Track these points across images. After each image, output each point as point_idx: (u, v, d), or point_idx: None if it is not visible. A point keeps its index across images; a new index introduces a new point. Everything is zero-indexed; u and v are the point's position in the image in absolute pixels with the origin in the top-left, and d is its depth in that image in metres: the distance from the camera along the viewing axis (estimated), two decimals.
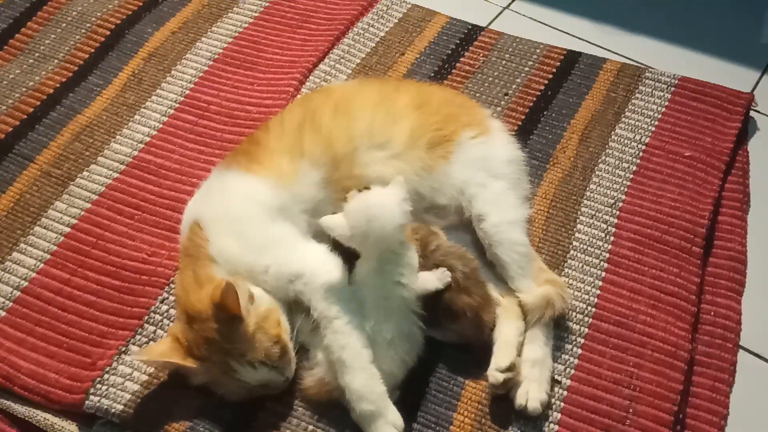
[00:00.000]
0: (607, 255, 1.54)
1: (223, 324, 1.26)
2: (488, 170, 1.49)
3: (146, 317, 1.46)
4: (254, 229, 1.38)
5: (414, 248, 1.36)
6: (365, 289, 1.32)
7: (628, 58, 1.98)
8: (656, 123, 1.78)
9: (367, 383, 1.27)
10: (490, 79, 1.89)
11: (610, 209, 1.62)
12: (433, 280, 1.35)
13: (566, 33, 2.08)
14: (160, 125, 1.81)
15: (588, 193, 1.65)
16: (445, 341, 1.40)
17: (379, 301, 1.31)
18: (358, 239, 1.30)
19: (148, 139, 1.78)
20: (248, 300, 1.30)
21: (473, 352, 1.39)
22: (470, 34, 2.01)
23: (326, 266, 1.34)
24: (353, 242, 1.31)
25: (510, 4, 2.17)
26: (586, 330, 1.43)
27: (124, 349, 1.42)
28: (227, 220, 1.39)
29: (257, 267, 1.35)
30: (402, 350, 1.31)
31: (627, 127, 1.78)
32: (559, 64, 1.92)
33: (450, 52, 1.97)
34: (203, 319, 1.27)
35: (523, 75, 1.90)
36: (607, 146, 1.74)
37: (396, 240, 1.31)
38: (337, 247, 1.36)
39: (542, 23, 2.11)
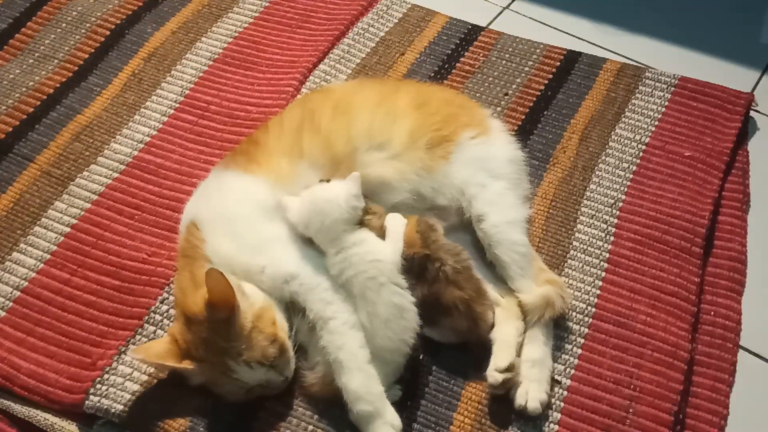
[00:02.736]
0: (607, 255, 1.54)
1: (219, 322, 1.26)
2: (488, 170, 1.49)
3: (146, 317, 1.46)
4: (250, 229, 1.38)
5: (364, 229, 1.38)
6: (346, 277, 1.32)
7: (628, 58, 1.98)
8: (656, 123, 1.78)
9: (364, 383, 1.26)
10: (490, 79, 1.89)
11: (610, 209, 1.61)
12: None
13: (566, 33, 2.08)
14: (160, 125, 1.81)
15: (588, 193, 1.65)
16: (444, 342, 1.40)
17: (363, 283, 1.30)
18: (302, 226, 1.35)
19: (148, 139, 1.78)
20: (242, 294, 1.30)
21: (473, 352, 1.39)
22: (470, 34, 2.01)
23: (321, 268, 1.34)
24: (300, 228, 1.36)
25: (510, 4, 2.17)
26: (586, 330, 1.43)
27: (124, 349, 1.42)
28: (224, 220, 1.39)
29: (253, 267, 1.35)
30: (399, 328, 1.30)
31: (627, 127, 1.78)
32: (559, 64, 1.92)
33: (450, 52, 1.97)
34: (200, 320, 1.27)
35: (523, 75, 1.90)
36: (607, 146, 1.74)
37: (338, 230, 1.34)
38: None
39: (542, 23, 2.11)
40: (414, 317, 1.32)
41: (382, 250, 1.35)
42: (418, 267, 1.35)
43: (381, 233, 1.39)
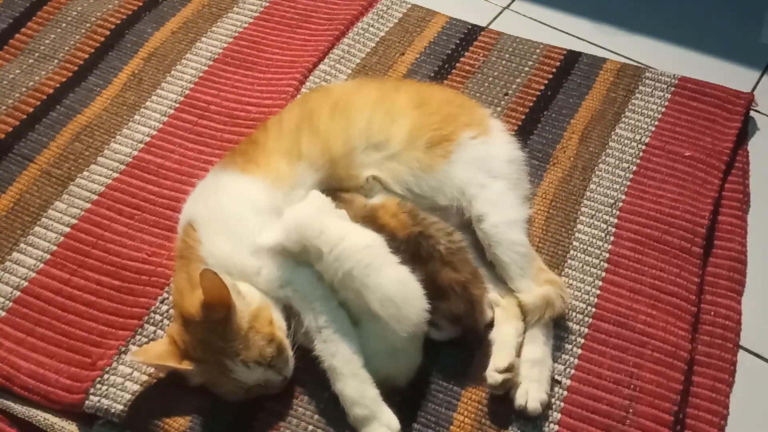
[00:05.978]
0: (607, 255, 1.54)
1: (215, 322, 1.25)
2: (488, 170, 1.49)
3: (146, 317, 1.46)
4: (247, 230, 1.37)
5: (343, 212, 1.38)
6: (343, 272, 1.30)
7: (628, 58, 1.98)
8: (656, 123, 1.78)
9: (358, 388, 1.27)
10: (490, 79, 1.89)
11: (610, 209, 1.61)
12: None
13: (566, 33, 2.08)
14: (160, 125, 1.81)
15: (588, 193, 1.65)
16: (443, 339, 1.40)
17: (361, 272, 1.29)
18: (291, 237, 1.33)
19: (148, 139, 1.78)
20: (237, 293, 1.29)
21: (473, 352, 1.39)
22: (470, 34, 2.01)
23: (314, 275, 1.34)
24: (290, 238, 1.33)
25: (510, 4, 2.17)
26: (586, 330, 1.43)
27: (124, 349, 1.42)
28: (221, 220, 1.38)
29: (249, 268, 1.35)
30: (412, 300, 1.29)
31: (627, 127, 1.78)
32: (559, 64, 1.92)
33: (450, 52, 1.97)
34: (197, 321, 1.27)
35: (523, 75, 1.90)
36: (607, 146, 1.74)
37: (322, 222, 1.32)
38: None
39: (542, 23, 2.11)
40: (417, 284, 1.31)
41: (365, 234, 1.34)
42: (413, 245, 1.35)
43: (363, 214, 1.40)
